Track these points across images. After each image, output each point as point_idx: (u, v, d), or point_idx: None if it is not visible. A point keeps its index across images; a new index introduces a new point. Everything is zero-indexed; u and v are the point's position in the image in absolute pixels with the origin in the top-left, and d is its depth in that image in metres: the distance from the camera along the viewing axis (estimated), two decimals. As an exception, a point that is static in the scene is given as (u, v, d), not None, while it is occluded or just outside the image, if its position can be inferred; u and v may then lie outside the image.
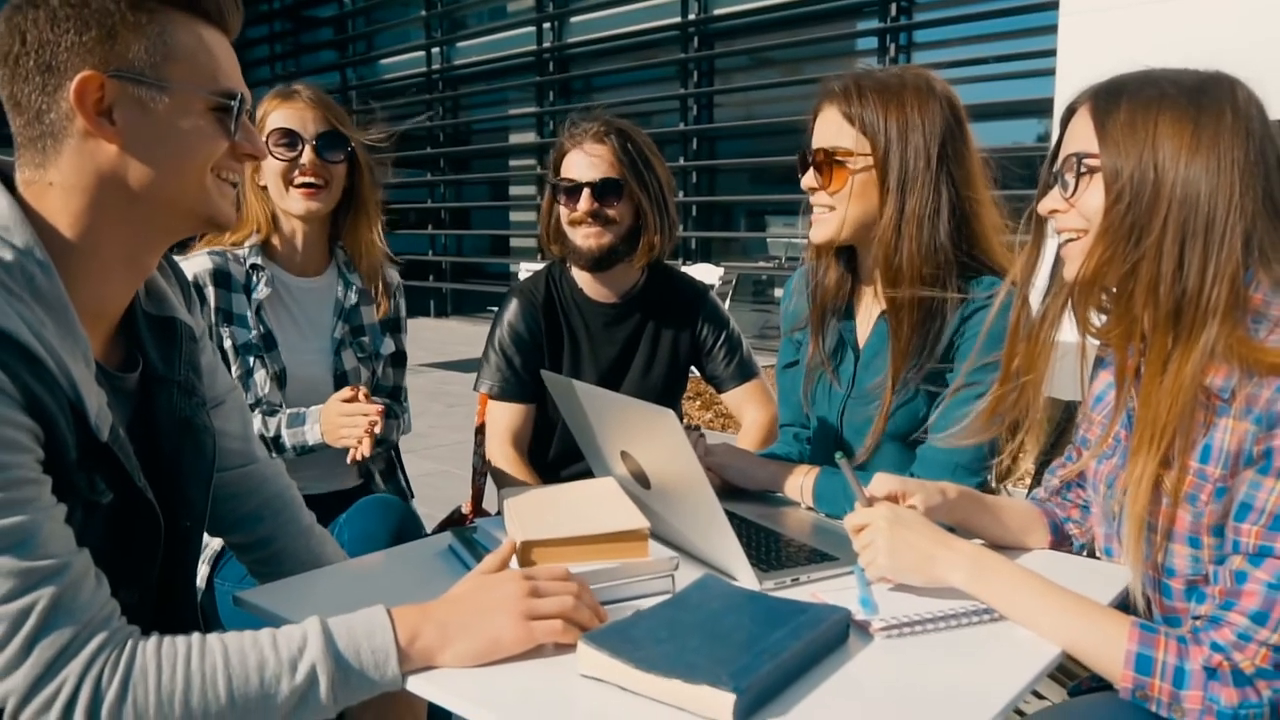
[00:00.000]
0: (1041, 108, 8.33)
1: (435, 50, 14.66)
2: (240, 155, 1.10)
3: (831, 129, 1.60)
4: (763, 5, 10.69)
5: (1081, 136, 1.16)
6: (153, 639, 0.95)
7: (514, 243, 14.43)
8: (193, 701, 0.92)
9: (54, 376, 0.95)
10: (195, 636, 0.96)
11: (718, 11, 11.20)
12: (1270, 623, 1.00)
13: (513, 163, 14.48)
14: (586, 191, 1.98)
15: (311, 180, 1.94)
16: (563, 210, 2.03)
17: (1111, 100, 1.13)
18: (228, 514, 1.37)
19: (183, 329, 1.23)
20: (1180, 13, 7.26)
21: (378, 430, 1.79)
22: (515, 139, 14.34)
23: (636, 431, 1.29)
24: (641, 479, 1.34)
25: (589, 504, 1.29)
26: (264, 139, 1.91)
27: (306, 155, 1.93)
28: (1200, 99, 1.09)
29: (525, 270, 10.74)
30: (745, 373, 2.21)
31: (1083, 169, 1.15)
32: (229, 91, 1.06)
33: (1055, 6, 7.91)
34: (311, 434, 1.86)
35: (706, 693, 0.90)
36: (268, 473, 1.42)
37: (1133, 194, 1.10)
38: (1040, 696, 1.57)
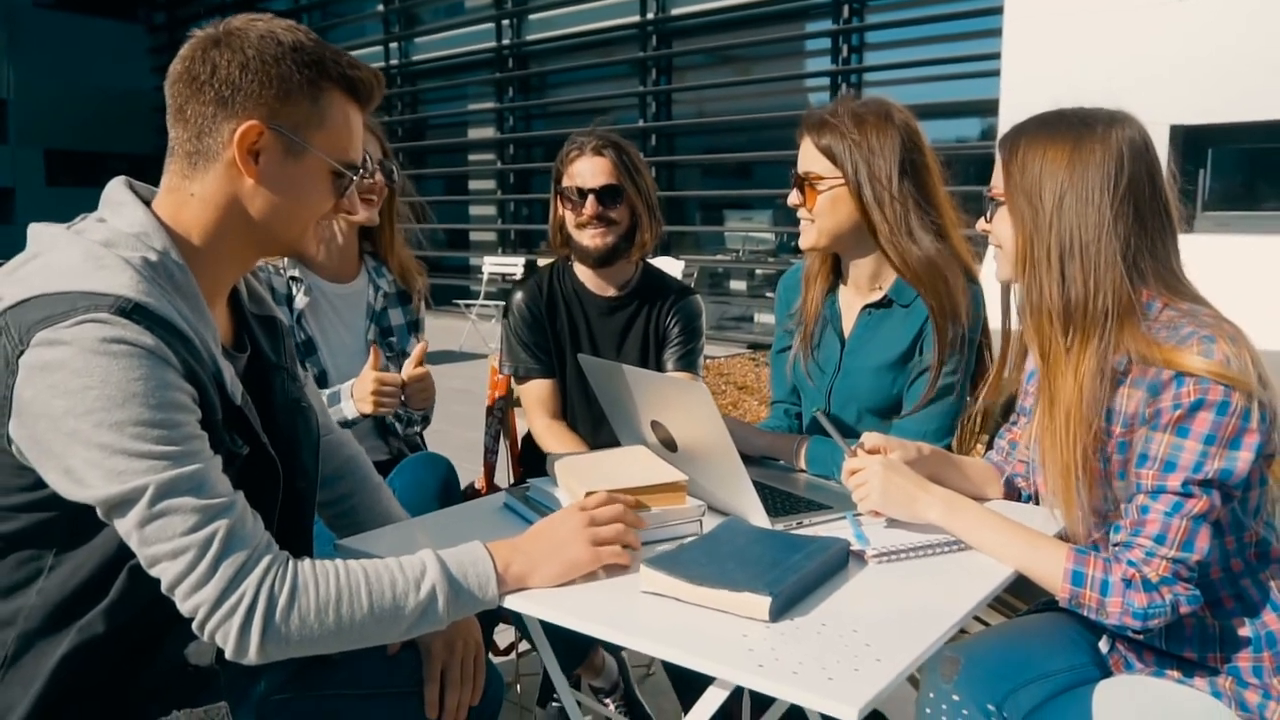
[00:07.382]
0: (987, 107, 8.69)
1: (393, 45, 14.70)
2: (339, 210, 1.32)
3: (807, 156, 1.88)
4: (720, 6, 10.94)
5: (997, 175, 1.45)
6: (307, 560, 1.16)
7: (473, 237, 14.56)
8: (343, 609, 1.14)
9: (199, 352, 1.17)
10: (338, 559, 1.18)
11: (675, 11, 11.42)
12: (1168, 542, 1.29)
13: (471, 158, 14.59)
14: (591, 197, 2.23)
15: (372, 195, 2.16)
16: (569, 214, 2.27)
17: (1013, 147, 1.42)
18: None
19: (282, 326, 1.46)
20: (1116, 22, 7.67)
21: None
22: (474, 134, 14.45)
23: (669, 402, 1.55)
24: (670, 444, 1.60)
25: (629, 464, 1.55)
26: None
27: (377, 176, 2.12)
28: (1078, 140, 1.37)
29: (490, 264, 10.93)
30: (689, 366, 2.36)
31: (993, 201, 1.46)
32: (350, 164, 1.28)
33: (1000, 11, 8.27)
34: (348, 409, 2.06)
35: (748, 597, 1.17)
36: (343, 438, 1.66)
37: (1024, 224, 1.39)
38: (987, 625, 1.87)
